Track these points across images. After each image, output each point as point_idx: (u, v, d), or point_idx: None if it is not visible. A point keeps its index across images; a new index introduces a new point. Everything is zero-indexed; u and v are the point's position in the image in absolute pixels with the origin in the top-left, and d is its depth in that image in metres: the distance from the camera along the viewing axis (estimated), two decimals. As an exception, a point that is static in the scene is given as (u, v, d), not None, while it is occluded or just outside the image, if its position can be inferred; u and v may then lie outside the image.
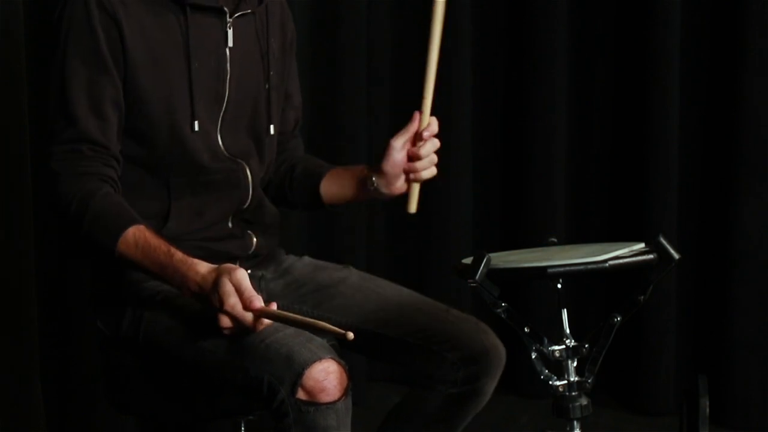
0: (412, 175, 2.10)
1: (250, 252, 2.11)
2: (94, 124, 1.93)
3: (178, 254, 1.84)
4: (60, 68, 1.94)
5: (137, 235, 1.86)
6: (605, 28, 3.45)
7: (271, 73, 2.13)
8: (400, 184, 2.11)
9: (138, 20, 1.95)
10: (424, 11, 3.45)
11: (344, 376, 1.79)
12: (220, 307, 1.77)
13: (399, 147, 2.09)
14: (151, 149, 2.00)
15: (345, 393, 1.78)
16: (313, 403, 1.76)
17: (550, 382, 1.91)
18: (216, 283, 1.78)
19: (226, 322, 1.78)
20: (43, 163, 1.95)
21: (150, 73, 1.97)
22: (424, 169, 2.10)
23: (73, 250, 2.09)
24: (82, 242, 1.91)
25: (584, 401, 1.90)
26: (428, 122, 2.13)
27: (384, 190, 2.12)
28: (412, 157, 2.09)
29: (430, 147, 2.10)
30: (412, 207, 2.10)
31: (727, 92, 3.24)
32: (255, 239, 2.11)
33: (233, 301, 1.76)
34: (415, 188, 2.12)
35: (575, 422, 1.89)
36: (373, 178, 2.12)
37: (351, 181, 2.18)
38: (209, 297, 1.79)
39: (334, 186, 2.21)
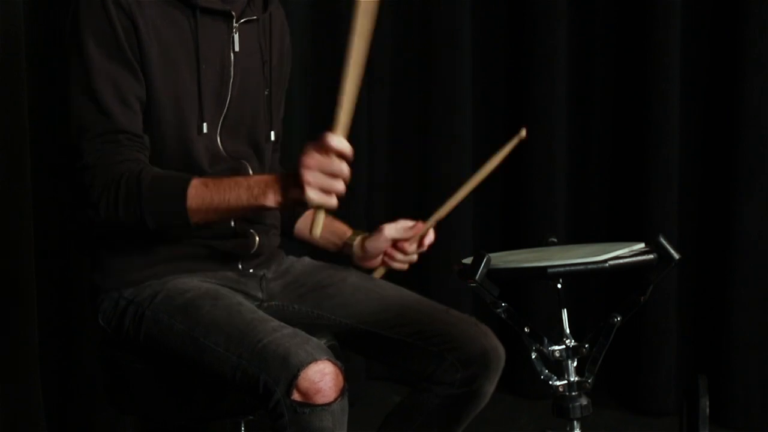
0: (386, 259, 2.23)
1: (253, 251, 2.11)
2: (126, 115, 1.93)
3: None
4: (82, 65, 1.92)
5: (201, 180, 1.87)
6: (605, 28, 3.46)
7: (271, 80, 2.15)
8: (373, 262, 2.25)
9: (152, 20, 1.96)
10: (424, 11, 3.49)
11: (340, 377, 1.78)
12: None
13: (389, 237, 2.21)
14: (157, 148, 2.00)
15: (341, 394, 1.78)
16: (309, 405, 1.75)
17: (550, 382, 1.91)
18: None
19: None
20: (73, 158, 1.93)
21: (162, 73, 1.97)
22: (401, 262, 2.23)
23: (122, 227, 1.98)
24: (143, 212, 1.87)
25: (584, 401, 1.90)
26: (429, 231, 2.19)
27: (356, 260, 2.26)
28: (399, 248, 2.21)
29: (416, 250, 2.21)
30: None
31: (727, 92, 3.25)
32: (257, 238, 2.12)
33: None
34: (380, 272, 2.25)
35: (575, 422, 1.89)
36: (353, 245, 2.25)
37: (328, 235, 2.27)
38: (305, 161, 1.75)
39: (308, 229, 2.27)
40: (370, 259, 2.25)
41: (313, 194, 1.75)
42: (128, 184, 1.87)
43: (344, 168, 1.75)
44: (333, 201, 1.76)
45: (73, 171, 1.94)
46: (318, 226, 1.81)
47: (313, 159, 1.74)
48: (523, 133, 1.89)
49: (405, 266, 2.24)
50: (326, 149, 1.73)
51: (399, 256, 2.22)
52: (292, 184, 1.78)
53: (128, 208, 1.87)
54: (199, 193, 1.85)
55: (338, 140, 1.74)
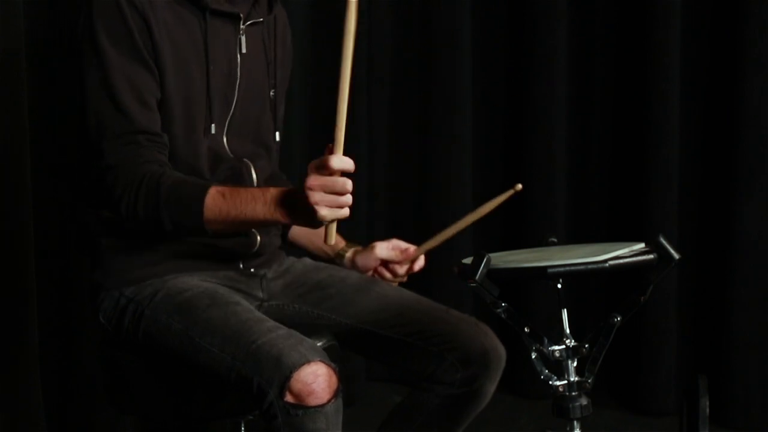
0: (375, 277, 2.24)
1: (254, 250, 2.12)
2: (144, 114, 1.93)
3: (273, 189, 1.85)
4: (99, 64, 1.92)
5: (219, 189, 1.86)
6: (605, 28, 3.46)
7: (275, 81, 2.15)
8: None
9: (164, 21, 1.97)
10: (424, 11, 3.49)
11: (333, 378, 1.78)
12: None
13: (379, 257, 2.22)
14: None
15: (334, 395, 1.78)
16: (302, 406, 1.75)
17: (550, 382, 1.91)
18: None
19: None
20: (93, 158, 1.93)
21: (174, 73, 1.98)
22: (390, 281, 2.23)
23: (146, 226, 1.97)
24: (161, 216, 1.87)
25: (584, 401, 1.90)
26: (421, 255, 2.22)
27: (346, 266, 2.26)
28: (389, 269, 2.22)
29: (406, 272, 2.21)
30: None
31: (727, 92, 3.25)
32: (259, 238, 2.12)
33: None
34: None
35: (575, 422, 1.89)
36: (345, 257, 2.26)
37: (322, 244, 2.24)
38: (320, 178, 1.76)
39: (303, 235, 2.28)
40: (362, 272, 2.26)
41: (324, 212, 1.75)
42: (149, 186, 1.87)
43: (348, 184, 1.75)
44: (344, 212, 1.77)
45: (93, 169, 1.94)
46: (332, 237, 1.83)
47: (316, 181, 1.75)
48: (519, 187, 1.96)
49: (394, 284, 2.24)
50: (328, 169, 1.74)
51: (388, 275, 2.23)
52: (301, 205, 1.78)
53: (147, 211, 1.88)
54: (217, 204, 1.84)
55: (339, 160, 1.75)
